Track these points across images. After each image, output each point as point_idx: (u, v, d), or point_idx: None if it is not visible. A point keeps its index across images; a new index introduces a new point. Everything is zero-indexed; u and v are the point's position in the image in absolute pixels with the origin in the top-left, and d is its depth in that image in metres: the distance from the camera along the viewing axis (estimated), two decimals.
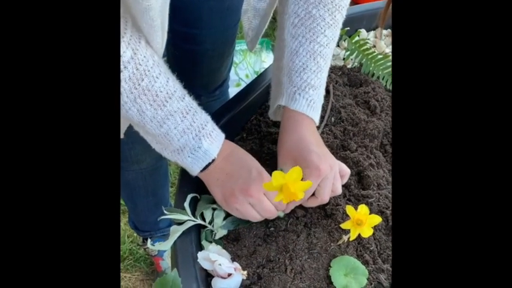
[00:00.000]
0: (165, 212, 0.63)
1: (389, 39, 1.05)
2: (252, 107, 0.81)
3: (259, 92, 0.81)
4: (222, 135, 0.65)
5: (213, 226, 0.66)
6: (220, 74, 1.20)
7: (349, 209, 0.62)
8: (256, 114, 0.81)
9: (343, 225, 0.63)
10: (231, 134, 0.73)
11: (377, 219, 0.62)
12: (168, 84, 0.59)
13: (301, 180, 0.57)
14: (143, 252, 1.49)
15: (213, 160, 0.63)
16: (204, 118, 0.63)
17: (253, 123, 0.80)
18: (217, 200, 0.66)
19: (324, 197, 0.66)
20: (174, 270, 0.44)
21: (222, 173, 0.64)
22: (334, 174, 0.66)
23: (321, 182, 0.64)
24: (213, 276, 0.61)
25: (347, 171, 0.69)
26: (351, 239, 0.63)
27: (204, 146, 0.62)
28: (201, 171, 0.64)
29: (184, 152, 0.62)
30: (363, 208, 0.61)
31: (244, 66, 2.13)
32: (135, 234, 1.50)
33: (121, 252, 1.47)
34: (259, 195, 0.62)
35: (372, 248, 0.65)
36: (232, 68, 2.02)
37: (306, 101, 0.67)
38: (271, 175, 0.57)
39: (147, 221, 1.33)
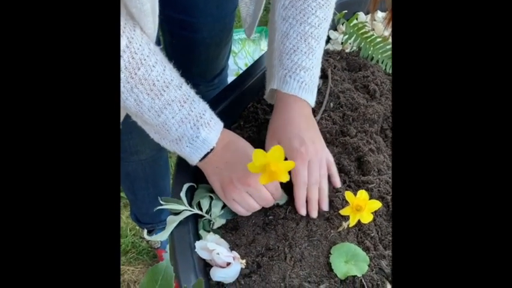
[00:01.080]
0: (161, 202, 0.62)
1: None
2: (249, 93, 0.80)
3: (256, 78, 0.80)
4: (221, 124, 0.64)
5: (210, 216, 0.66)
6: (218, 63, 1.18)
7: (348, 194, 0.61)
8: (253, 101, 0.80)
9: (343, 212, 0.62)
10: (228, 121, 0.72)
11: (377, 205, 0.61)
12: (165, 73, 0.57)
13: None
14: (146, 245, 1.48)
15: (212, 149, 0.62)
16: (202, 107, 0.61)
17: (250, 111, 0.79)
18: (215, 189, 0.65)
19: (322, 181, 0.65)
20: (166, 259, 0.43)
21: (221, 161, 0.63)
22: (319, 160, 0.65)
23: (308, 166, 0.64)
24: (212, 266, 0.60)
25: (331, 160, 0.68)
26: (350, 225, 0.62)
27: (202, 135, 0.60)
28: (200, 160, 0.63)
29: (183, 141, 0.61)
30: (362, 193, 0.60)
31: (243, 55, 2.11)
32: (137, 227, 1.49)
33: (123, 246, 1.47)
34: (257, 185, 0.61)
35: (372, 234, 0.64)
36: (231, 57, 2.00)
37: (297, 83, 0.66)
38: None
39: (148, 213, 1.32)
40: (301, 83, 0.66)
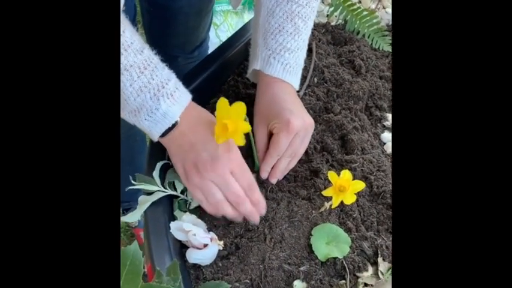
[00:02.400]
0: (132, 182, 0.59)
1: None
2: (229, 66, 0.75)
3: (237, 49, 0.76)
4: (187, 97, 0.57)
5: (186, 196, 0.62)
6: (198, 34, 1.13)
7: (331, 174, 0.58)
8: (233, 75, 0.76)
9: (325, 192, 0.60)
10: (206, 96, 0.68)
11: (361, 185, 0.58)
12: (124, 34, 0.52)
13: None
14: (124, 224, 1.45)
15: (175, 125, 0.56)
16: (165, 75, 0.55)
17: (230, 85, 0.75)
18: (178, 171, 0.60)
19: (296, 157, 0.62)
20: (134, 243, 0.40)
21: (186, 141, 0.57)
22: (308, 132, 0.62)
23: (292, 139, 0.61)
24: (188, 247, 0.57)
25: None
26: (333, 207, 0.60)
27: (162, 108, 0.54)
28: (162, 136, 0.57)
29: (141, 113, 0.54)
30: (346, 173, 0.58)
31: (226, 28, 2.04)
32: None
33: None
34: (225, 174, 0.56)
35: (355, 215, 0.62)
36: (213, 30, 1.93)
37: (281, 65, 0.63)
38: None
39: (124, 191, 1.28)
40: (285, 65, 0.63)
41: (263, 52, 0.63)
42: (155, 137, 0.57)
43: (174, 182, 0.62)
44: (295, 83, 0.65)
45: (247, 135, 0.55)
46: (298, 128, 0.60)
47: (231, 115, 0.52)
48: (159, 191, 0.60)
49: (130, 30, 0.53)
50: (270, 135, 0.64)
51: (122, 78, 0.52)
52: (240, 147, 0.57)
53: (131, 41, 0.53)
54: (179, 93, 0.56)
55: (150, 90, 0.54)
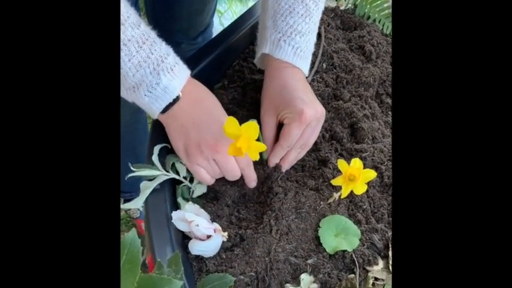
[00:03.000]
0: (132, 168, 0.56)
1: None
2: (234, 50, 0.72)
3: (243, 33, 0.72)
4: (187, 71, 0.55)
5: (189, 182, 0.60)
6: (202, 19, 1.10)
7: (341, 163, 0.56)
8: (239, 59, 0.73)
9: (334, 182, 0.58)
10: (210, 81, 0.65)
11: (372, 174, 0.56)
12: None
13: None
14: (125, 215, 1.43)
15: (176, 100, 0.54)
16: (164, 50, 0.53)
17: (235, 69, 0.72)
18: (177, 148, 0.58)
19: (306, 147, 0.60)
20: (132, 230, 0.38)
21: (188, 119, 0.55)
22: (319, 122, 0.60)
23: (304, 129, 0.58)
24: (190, 238, 0.55)
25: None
26: (342, 197, 0.57)
27: (163, 82, 0.52)
28: (162, 112, 0.55)
29: (141, 89, 0.52)
30: (356, 162, 0.55)
31: (230, 16, 2.00)
32: None
33: None
34: (227, 154, 0.54)
35: (364, 207, 0.59)
36: (217, 18, 1.90)
37: (292, 49, 0.60)
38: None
39: (126, 181, 1.26)
40: (296, 49, 0.60)
41: (272, 35, 0.60)
42: (155, 114, 0.56)
43: (175, 165, 0.59)
44: (306, 68, 0.62)
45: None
46: (310, 119, 0.57)
47: (243, 135, 0.49)
48: (161, 175, 0.57)
49: (126, 4, 0.51)
50: (279, 124, 0.61)
51: (120, 53, 0.50)
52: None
53: (127, 15, 0.50)
54: (179, 68, 0.54)
55: (149, 64, 0.52)
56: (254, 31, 0.70)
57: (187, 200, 0.60)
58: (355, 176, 0.55)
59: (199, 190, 0.60)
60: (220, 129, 0.54)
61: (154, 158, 0.58)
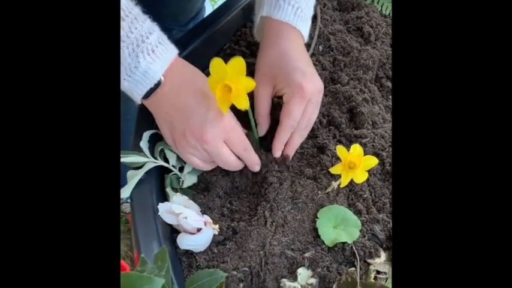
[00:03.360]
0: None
1: None
2: (225, 32, 0.68)
3: (234, 14, 0.68)
4: (172, 52, 0.51)
5: (179, 170, 0.56)
6: (192, 4, 1.06)
7: (340, 149, 0.52)
8: (230, 42, 0.69)
9: (333, 170, 0.54)
10: (199, 65, 0.61)
11: (373, 161, 0.52)
12: None
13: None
14: None
15: (158, 85, 0.50)
16: (147, 28, 0.48)
17: (226, 53, 0.68)
18: (165, 136, 0.54)
19: (308, 127, 0.56)
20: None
21: (173, 105, 0.51)
22: (319, 97, 0.56)
23: (306, 106, 0.54)
24: (179, 232, 0.51)
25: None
26: (341, 185, 0.54)
27: (141, 65, 0.48)
28: (145, 98, 0.51)
29: (120, 72, 0.48)
30: (356, 148, 0.52)
31: (222, 2, 1.95)
32: None
33: None
34: (216, 142, 0.51)
35: (365, 196, 0.56)
36: (210, 4, 1.85)
37: (292, 8, 0.55)
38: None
39: None
40: (296, 9, 0.55)
41: None
42: (137, 99, 0.51)
43: (164, 152, 0.55)
44: (306, 31, 0.57)
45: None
46: (311, 94, 0.53)
47: (230, 74, 0.45)
48: (149, 162, 0.54)
49: None
50: (274, 97, 0.57)
51: None
52: (240, 114, 0.52)
53: None
54: (162, 48, 0.49)
55: (128, 45, 0.47)
56: (246, 12, 0.67)
57: (176, 190, 0.56)
58: (355, 164, 0.51)
59: (189, 180, 0.57)
60: (206, 115, 0.50)
61: (143, 143, 0.54)
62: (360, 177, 0.52)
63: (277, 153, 0.56)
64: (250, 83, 0.47)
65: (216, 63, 0.46)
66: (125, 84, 0.49)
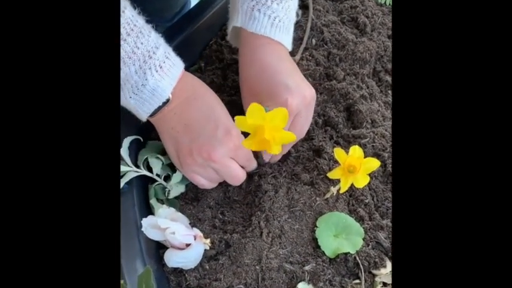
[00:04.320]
0: None
1: None
2: (210, 27, 0.63)
3: (219, 7, 0.63)
4: (179, 67, 0.48)
5: (164, 180, 0.51)
6: None
7: (338, 152, 0.48)
8: (216, 37, 0.64)
9: (331, 175, 0.50)
10: (184, 63, 0.57)
11: (375, 163, 0.48)
12: None
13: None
14: None
15: (166, 102, 0.47)
16: (153, 41, 0.46)
17: (212, 49, 0.63)
18: (169, 154, 0.51)
19: (301, 136, 0.53)
20: None
21: (179, 121, 0.48)
22: (310, 107, 0.51)
23: (293, 120, 0.50)
24: (166, 248, 0.47)
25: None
26: (341, 191, 0.50)
27: (150, 84, 0.45)
28: (151, 116, 0.48)
29: (125, 90, 0.45)
30: (356, 150, 0.48)
31: None
32: None
33: None
34: (225, 160, 0.48)
35: (367, 201, 0.52)
36: None
37: (269, 19, 0.50)
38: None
39: None
40: (273, 19, 0.50)
41: (244, 3, 0.51)
42: (143, 118, 0.48)
43: (148, 162, 0.51)
44: (287, 41, 0.53)
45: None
46: (298, 108, 0.49)
47: (268, 123, 0.41)
48: (130, 171, 0.49)
49: None
50: None
51: None
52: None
53: None
54: (170, 64, 0.46)
55: (135, 61, 0.44)
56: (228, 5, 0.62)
57: (162, 201, 0.51)
58: (356, 167, 0.47)
59: (176, 190, 0.52)
60: (215, 132, 0.47)
61: (123, 151, 0.50)
62: (361, 181, 0.48)
63: (265, 160, 0.54)
64: (291, 138, 0.43)
65: (254, 108, 0.41)
66: (131, 102, 0.46)
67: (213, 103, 0.49)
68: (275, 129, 0.41)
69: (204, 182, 0.50)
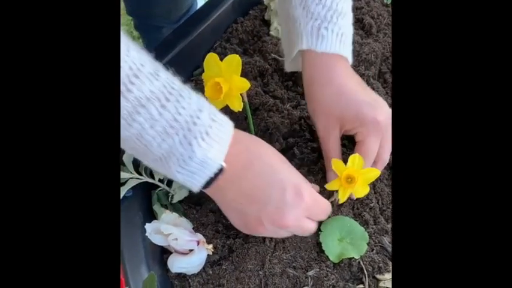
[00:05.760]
0: None
1: None
2: (215, 30, 0.63)
3: (224, 10, 0.63)
4: (229, 129, 0.42)
5: (167, 185, 0.51)
6: (183, 0, 1.01)
7: (336, 163, 0.47)
8: (220, 40, 0.64)
9: (329, 186, 0.49)
10: (186, 68, 0.57)
11: (375, 173, 0.47)
12: (129, 54, 0.37)
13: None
14: None
15: (219, 172, 0.41)
16: (195, 104, 0.39)
17: (217, 52, 0.63)
18: (234, 224, 0.47)
19: (386, 159, 0.50)
20: None
21: (240, 192, 0.43)
22: (389, 130, 0.49)
23: (381, 140, 0.49)
24: (170, 252, 0.47)
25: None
26: (340, 202, 0.49)
27: (197, 155, 0.39)
28: (204, 188, 0.43)
29: (171, 163, 0.40)
30: (355, 159, 0.46)
31: None
32: None
33: None
34: (299, 223, 0.44)
35: (372, 205, 0.52)
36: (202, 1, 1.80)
37: (337, 36, 0.49)
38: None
39: None
40: (341, 36, 0.49)
41: (308, 24, 0.49)
42: (195, 189, 0.43)
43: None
44: (350, 56, 0.52)
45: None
46: (387, 125, 0.48)
47: (224, 72, 0.44)
48: (132, 178, 0.49)
49: (135, 49, 0.38)
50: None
51: (138, 118, 0.37)
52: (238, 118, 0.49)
53: (141, 62, 0.37)
54: (217, 127, 0.40)
55: (178, 131, 0.39)
56: (236, 7, 0.62)
57: (165, 206, 0.52)
58: (354, 177, 0.46)
59: (179, 194, 0.52)
60: (283, 197, 0.43)
61: (126, 157, 0.50)
62: (361, 191, 0.48)
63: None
64: (244, 84, 0.45)
65: (210, 59, 0.45)
66: (178, 177, 0.41)
67: (273, 162, 0.44)
68: (231, 75, 0.45)
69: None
